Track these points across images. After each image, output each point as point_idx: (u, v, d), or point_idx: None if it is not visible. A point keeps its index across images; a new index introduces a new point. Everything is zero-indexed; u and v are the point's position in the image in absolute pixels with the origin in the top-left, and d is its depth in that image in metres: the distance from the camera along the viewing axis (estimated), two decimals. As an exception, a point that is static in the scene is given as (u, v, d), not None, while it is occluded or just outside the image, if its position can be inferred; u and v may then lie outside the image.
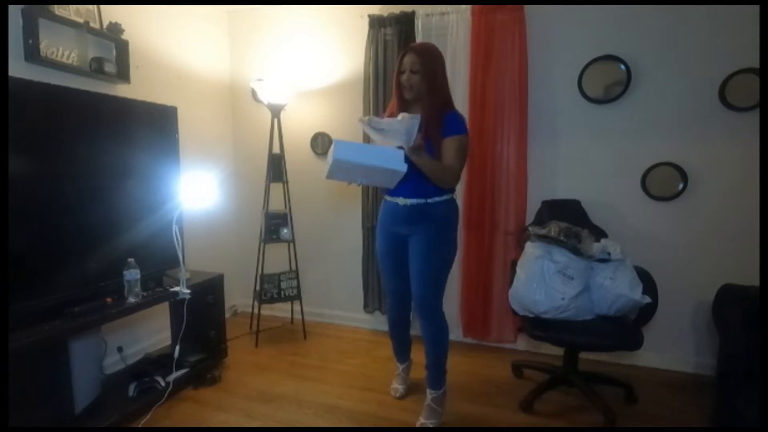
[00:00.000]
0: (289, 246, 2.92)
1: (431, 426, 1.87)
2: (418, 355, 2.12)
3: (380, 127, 1.60)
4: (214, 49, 3.08)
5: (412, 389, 2.17)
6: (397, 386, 2.17)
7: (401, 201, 1.80)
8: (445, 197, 1.79)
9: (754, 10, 2.09)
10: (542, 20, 2.44)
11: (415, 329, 2.05)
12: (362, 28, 2.72)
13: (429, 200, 1.77)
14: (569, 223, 2.10)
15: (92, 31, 2.13)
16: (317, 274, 3.15)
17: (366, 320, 3.05)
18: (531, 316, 2.01)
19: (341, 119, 2.95)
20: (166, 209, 2.14)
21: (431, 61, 1.72)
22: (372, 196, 2.78)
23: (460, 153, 1.72)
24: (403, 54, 1.75)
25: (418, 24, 2.62)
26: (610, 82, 2.37)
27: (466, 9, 2.52)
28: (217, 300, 2.42)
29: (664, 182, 2.34)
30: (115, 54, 2.26)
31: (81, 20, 2.07)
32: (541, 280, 1.96)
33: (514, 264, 2.16)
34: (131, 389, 2.02)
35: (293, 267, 2.92)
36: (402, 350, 2.19)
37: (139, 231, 2.06)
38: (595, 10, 2.36)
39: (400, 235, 1.86)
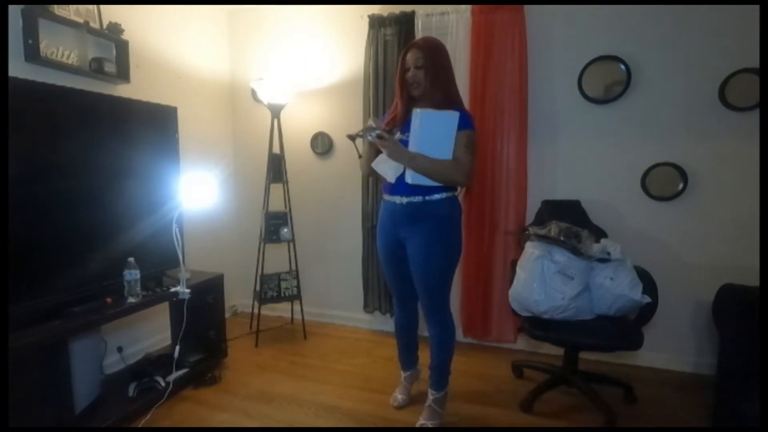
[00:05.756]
0: (289, 246, 2.92)
1: (431, 426, 1.86)
2: (422, 357, 2.13)
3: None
4: (214, 49, 3.08)
5: (414, 400, 2.08)
6: (397, 395, 2.09)
7: (398, 199, 1.75)
8: (445, 195, 1.71)
9: (754, 10, 2.09)
10: (542, 20, 2.44)
11: (421, 329, 2.04)
12: (362, 28, 2.72)
13: (427, 198, 1.69)
14: (569, 223, 2.10)
15: (92, 31, 2.13)
16: (317, 274, 3.15)
17: (366, 320, 3.05)
18: (531, 315, 2.01)
19: (341, 119, 2.95)
20: (166, 209, 2.14)
21: (435, 55, 1.68)
22: (372, 196, 2.78)
23: (469, 148, 1.67)
24: (406, 51, 1.71)
25: (418, 24, 2.62)
26: (610, 82, 2.37)
27: (466, 9, 2.52)
28: (217, 300, 2.42)
29: (664, 182, 2.34)
30: (115, 54, 2.26)
31: (81, 20, 2.07)
32: (541, 280, 1.96)
33: (514, 264, 2.16)
34: (131, 389, 2.02)
35: (293, 267, 2.92)
36: (408, 355, 2.10)
37: (139, 231, 2.06)
38: (595, 10, 2.36)
39: (399, 237, 1.81)
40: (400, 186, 1.71)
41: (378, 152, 1.74)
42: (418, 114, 1.60)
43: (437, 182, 1.67)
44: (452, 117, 1.62)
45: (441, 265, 1.76)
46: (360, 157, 1.86)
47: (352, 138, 1.75)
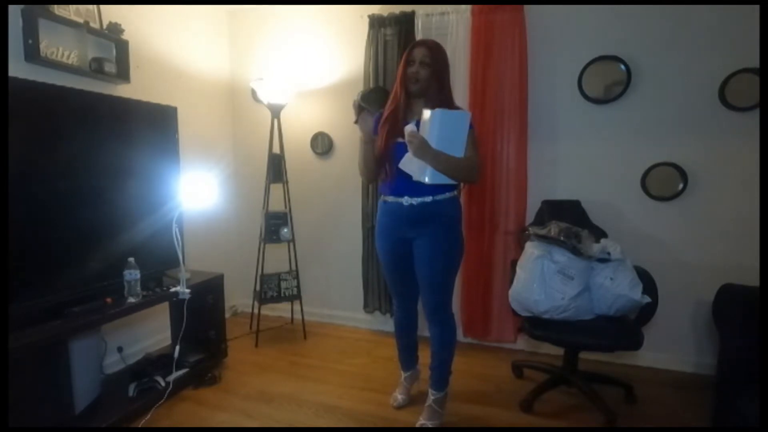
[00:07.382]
0: (289, 246, 2.92)
1: (431, 426, 1.86)
2: (423, 357, 2.13)
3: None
4: (214, 49, 3.08)
5: (414, 400, 2.09)
6: (397, 395, 2.09)
7: (406, 200, 1.74)
8: (449, 195, 1.74)
9: (754, 10, 2.09)
10: (542, 20, 2.44)
11: (421, 329, 2.04)
12: (362, 28, 2.72)
13: (436, 197, 1.72)
14: (569, 223, 2.10)
15: (92, 31, 2.13)
16: (317, 274, 3.15)
17: (366, 320, 3.05)
18: (531, 315, 2.01)
19: (341, 119, 2.95)
20: (166, 209, 2.14)
21: (442, 57, 1.72)
22: (372, 196, 2.78)
23: (475, 146, 1.73)
24: (413, 47, 1.72)
25: (418, 24, 2.62)
26: (610, 82, 2.37)
27: (466, 9, 2.52)
28: (217, 300, 2.42)
29: (664, 182, 2.34)
30: (115, 54, 2.26)
31: (81, 20, 2.07)
32: (541, 280, 1.96)
33: (514, 264, 2.16)
34: (131, 389, 2.02)
35: (293, 267, 2.92)
36: (408, 355, 2.10)
37: (139, 231, 2.06)
38: (595, 10, 2.36)
39: (404, 238, 1.81)
40: (406, 186, 1.71)
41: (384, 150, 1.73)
42: (436, 114, 1.59)
43: (455, 180, 1.70)
44: (465, 116, 1.65)
45: (449, 265, 1.79)
46: (355, 121, 1.81)
47: (361, 106, 1.69)
